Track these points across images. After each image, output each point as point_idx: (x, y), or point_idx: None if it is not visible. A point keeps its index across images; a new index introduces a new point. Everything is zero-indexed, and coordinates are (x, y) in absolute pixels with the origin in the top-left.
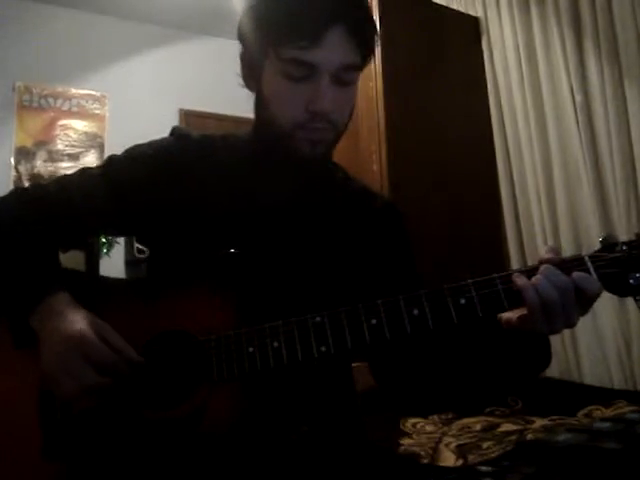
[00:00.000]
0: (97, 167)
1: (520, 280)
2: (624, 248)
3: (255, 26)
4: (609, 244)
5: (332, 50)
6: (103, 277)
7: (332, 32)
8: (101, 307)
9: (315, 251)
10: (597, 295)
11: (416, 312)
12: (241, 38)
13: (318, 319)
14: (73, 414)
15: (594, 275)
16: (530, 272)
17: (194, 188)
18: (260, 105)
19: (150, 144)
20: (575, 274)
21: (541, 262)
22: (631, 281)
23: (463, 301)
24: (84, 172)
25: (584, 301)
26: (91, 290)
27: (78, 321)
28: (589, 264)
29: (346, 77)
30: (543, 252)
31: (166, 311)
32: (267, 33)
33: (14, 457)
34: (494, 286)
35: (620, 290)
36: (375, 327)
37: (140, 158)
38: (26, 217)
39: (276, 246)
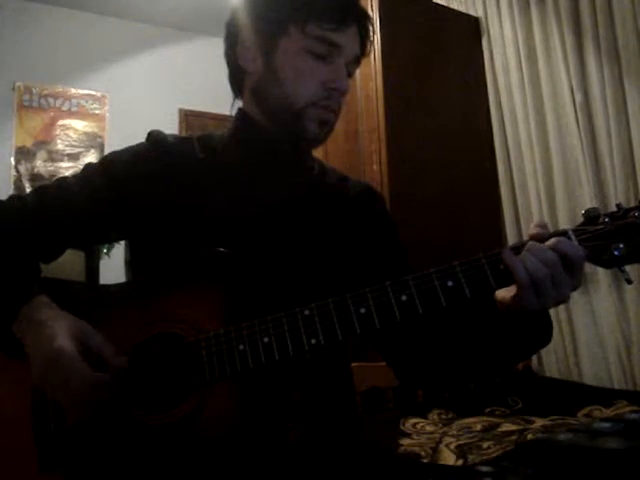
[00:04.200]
0: (74, 176)
1: (509, 259)
2: (606, 220)
3: (278, 5)
4: (592, 217)
5: (351, 39)
6: (91, 283)
7: (352, 25)
8: (89, 314)
9: (301, 245)
10: (581, 258)
11: (404, 298)
12: (244, 24)
13: (307, 312)
14: (67, 424)
15: None
16: (518, 249)
17: (174, 191)
18: (268, 85)
19: (126, 150)
20: (555, 240)
21: (530, 237)
22: (615, 252)
23: (451, 283)
24: (62, 181)
25: (572, 270)
26: (79, 297)
27: (58, 332)
28: (573, 237)
29: (352, 69)
30: (532, 226)
31: (155, 313)
32: (296, 10)
33: (12, 470)
34: (480, 266)
35: (605, 262)
36: (364, 316)
37: (117, 165)
38: (1, 229)
39: (262, 243)
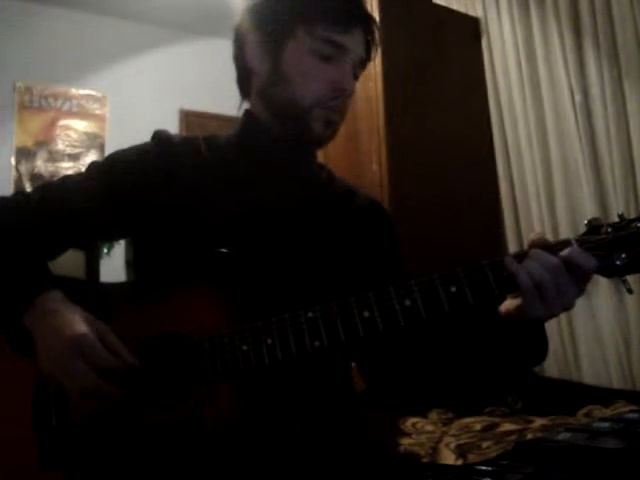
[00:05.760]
0: (79, 174)
1: (512, 265)
2: (609, 230)
3: (285, 7)
4: (594, 227)
5: (357, 42)
6: (95, 281)
7: (358, 28)
8: (94, 311)
9: (304, 250)
10: (590, 269)
11: (408, 302)
12: (252, 26)
13: (311, 314)
14: (69, 420)
15: None
16: (521, 256)
17: (179, 191)
18: (276, 86)
19: (131, 149)
20: (566, 250)
21: (530, 245)
22: (617, 262)
23: (454, 289)
24: (66, 179)
25: (578, 277)
26: (84, 294)
27: (77, 321)
28: (575, 246)
29: (358, 71)
30: (532, 234)
31: (159, 313)
32: (303, 12)
33: (11, 466)
34: (484, 273)
35: (607, 271)
36: (368, 320)
37: (122, 164)
38: (8, 224)
39: (266, 245)
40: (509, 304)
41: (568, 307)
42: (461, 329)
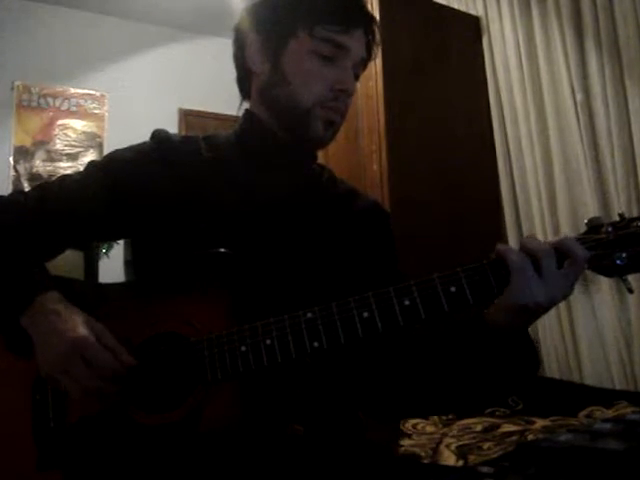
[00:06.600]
0: (77, 173)
1: (502, 246)
2: (609, 229)
3: (285, 7)
4: (595, 226)
5: (358, 42)
6: (93, 282)
7: (358, 28)
8: (92, 311)
9: (303, 251)
10: (578, 254)
11: (407, 302)
12: (252, 26)
13: (310, 315)
14: (68, 422)
15: None
16: None
17: (178, 190)
18: (276, 86)
19: (130, 148)
20: (560, 238)
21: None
22: (617, 261)
23: (454, 289)
24: (64, 179)
25: (571, 265)
26: (82, 295)
27: (78, 323)
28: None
29: (358, 71)
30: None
31: (158, 313)
32: (303, 12)
33: (9, 468)
34: (484, 272)
35: (607, 270)
36: (367, 320)
37: (121, 163)
38: (6, 224)
39: (265, 246)
40: (499, 305)
41: (566, 294)
42: (450, 346)
